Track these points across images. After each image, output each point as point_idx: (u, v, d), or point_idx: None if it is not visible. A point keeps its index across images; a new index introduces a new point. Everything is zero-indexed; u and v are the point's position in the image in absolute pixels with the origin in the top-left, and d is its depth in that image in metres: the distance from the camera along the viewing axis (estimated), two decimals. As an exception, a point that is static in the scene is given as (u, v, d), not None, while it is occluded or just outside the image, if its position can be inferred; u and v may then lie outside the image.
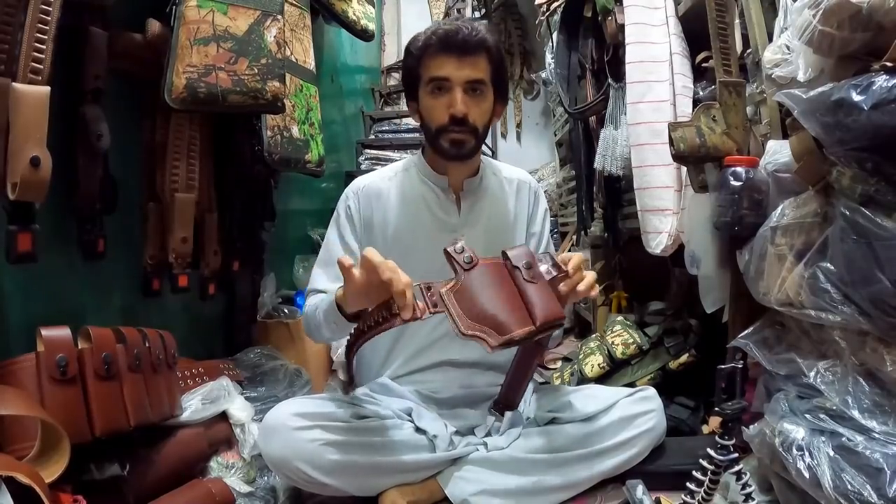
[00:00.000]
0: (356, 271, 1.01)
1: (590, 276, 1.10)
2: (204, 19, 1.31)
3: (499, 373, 1.38)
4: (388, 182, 1.38)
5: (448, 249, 1.01)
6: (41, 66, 1.01)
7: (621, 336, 1.79)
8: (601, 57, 1.87)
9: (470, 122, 1.25)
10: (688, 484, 0.95)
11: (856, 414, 0.88)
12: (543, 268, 1.05)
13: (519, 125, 3.96)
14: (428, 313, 0.96)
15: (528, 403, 1.33)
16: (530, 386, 1.37)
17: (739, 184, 1.13)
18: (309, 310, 1.27)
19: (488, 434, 1.28)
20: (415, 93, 1.31)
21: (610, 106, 1.81)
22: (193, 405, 1.32)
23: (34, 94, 0.99)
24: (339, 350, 2.07)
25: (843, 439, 0.88)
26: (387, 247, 1.30)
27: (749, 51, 1.29)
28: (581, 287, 1.08)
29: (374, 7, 2.52)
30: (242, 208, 1.76)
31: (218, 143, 1.63)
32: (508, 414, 1.23)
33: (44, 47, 1.01)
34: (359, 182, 1.41)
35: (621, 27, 1.61)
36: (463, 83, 1.23)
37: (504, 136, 3.96)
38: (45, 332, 1.01)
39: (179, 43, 1.29)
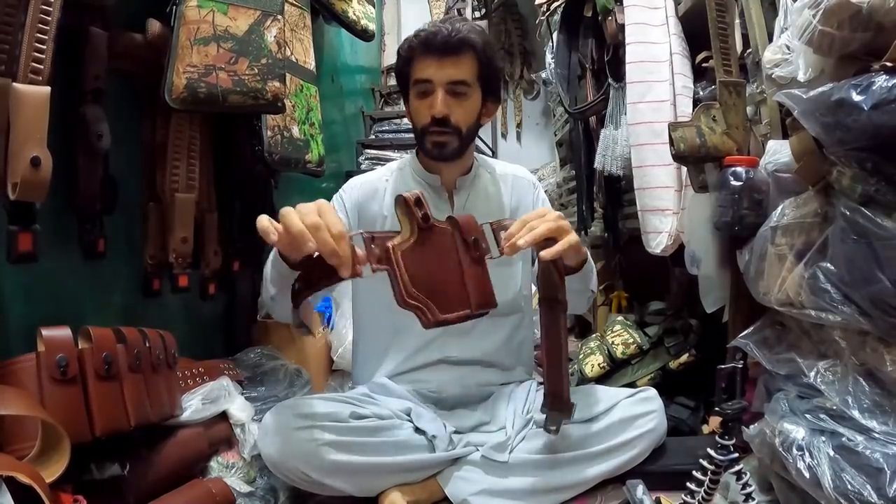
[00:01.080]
0: (274, 236, 0.88)
1: (540, 229, 1.00)
2: (204, 19, 1.31)
3: (499, 371, 1.39)
4: (384, 182, 1.40)
5: (406, 196, 0.89)
6: (41, 66, 1.01)
7: (621, 336, 1.79)
8: (601, 57, 1.87)
9: (452, 123, 1.26)
10: (688, 484, 0.95)
11: (856, 414, 0.88)
12: (486, 245, 0.97)
13: (519, 125, 3.96)
14: (370, 271, 0.84)
15: (534, 402, 1.33)
16: (535, 386, 1.38)
17: (739, 184, 1.13)
18: (265, 268, 1.21)
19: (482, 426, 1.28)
20: (407, 93, 1.34)
21: (610, 106, 1.81)
22: (193, 405, 1.32)
23: (34, 94, 0.99)
24: (339, 350, 2.07)
25: (843, 439, 0.88)
26: None
27: (749, 51, 1.29)
28: (525, 239, 0.98)
29: (374, 7, 2.52)
30: (242, 208, 1.76)
31: (218, 143, 1.63)
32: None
33: (44, 47, 1.01)
34: (356, 179, 1.43)
35: (621, 27, 1.61)
36: (444, 84, 1.25)
37: (504, 136, 3.96)
38: (45, 332, 1.01)
39: (179, 43, 1.28)
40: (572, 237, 1.05)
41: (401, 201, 0.89)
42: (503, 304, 1.33)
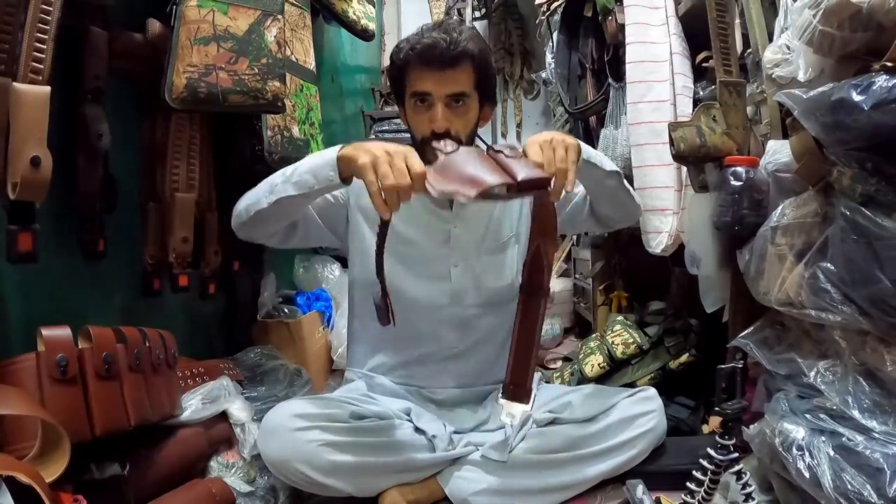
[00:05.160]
0: (372, 176, 1.00)
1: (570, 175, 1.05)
2: (204, 19, 1.31)
3: (498, 369, 1.38)
4: None
5: (433, 144, 1.08)
6: (41, 66, 1.01)
7: (621, 336, 1.79)
8: (601, 56, 1.87)
9: (453, 136, 1.24)
10: (688, 484, 0.96)
11: (856, 414, 0.88)
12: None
13: (519, 125, 3.96)
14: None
15: (535, 402, 1.33)
16: (535, 385, 1.37)
17: (739, 184, 1.13)
18: (259, 185, 1.24)
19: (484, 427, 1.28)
20: (401, 99, 1.32)
21: (610, 106, 1.81)
22: (193, 405, 1.32)
23: (34, 93, 0.99)
24: (339, 350, 2.07)
25: (843, 439, 0.88)
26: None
27: (749, 51, 1.29)
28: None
29: (374, 7, 2.52)
30: (243, 208, 1.76)
31: (218, 142, 1.63)
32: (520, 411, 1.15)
33: (44, 47, 1.01)
34: (358, 181, 1.42)
35: (621, 27, 1.61)
36: (444, 97, 1.23)
37: (504, 135, 3.95)
38: (45, 331, 1.01)
39: (180, 43, 1.28)
40: (573, 146, 1.09)
41: (431, 146, 1.09)
42: (499, 290, 1.36)
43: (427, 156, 1.26)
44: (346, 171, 1.08)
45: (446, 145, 1.04)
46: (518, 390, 1.09)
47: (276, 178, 1.19)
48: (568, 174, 1.05)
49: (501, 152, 1.00)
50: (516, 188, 0.95)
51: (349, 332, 1.48)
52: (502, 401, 1.10)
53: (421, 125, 1.26)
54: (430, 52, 1.21)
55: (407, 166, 0.99)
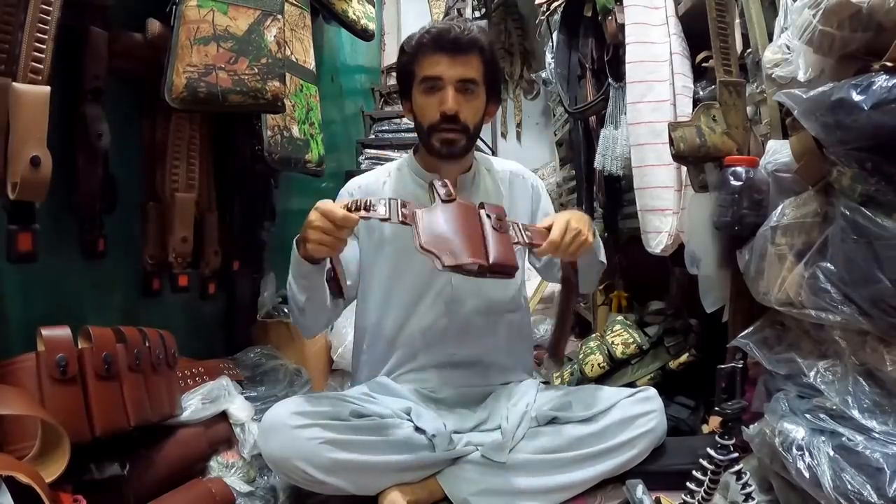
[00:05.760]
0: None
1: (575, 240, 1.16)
2: (204, 19, 1.31)
3: (499, 371, 1.39)
4: (381, 184, 1.40)
5: (434, 182, 1.10)
6: (41, 66, 1.01)
7: (621, 336, 1.79)
8: (601, 56, 1.87)
9: (461, 121, 1.27)
10: (688, 484, 0.96)
11: (856, 414, 0.88)
12: (512, 233, 1.10)
13: (519, 125, 3.96)
14: (398, 220, 1.04)
15: (535, 401, 1.33)
16: (535, 385, 1.38)
17: (739, 184, 1.13)
18: (290, 309, 1.32)
19: (483, 426, 1.28)
20: (408, 92, 1.33)
21: (610, 106, 1.81)
22: (193, 405, 1.33)
23: (34, 93, 0.99)
24: (339, 350, 2.07)
25: (843, 439, 0.88)
26: (382, 247, 1.32)
27: (749, 51, 1.29)
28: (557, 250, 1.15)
29: (374, 7, 2.52)
30: (242, 208, 1.76)
31: (218, 142, 1.63)
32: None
33: (44, 47, 1.01)
34: (356, 181, 1.43)
35: (621, 27, 1.61)
36: (455, 81, 1.25)
37: (504, 135, 3.95)
38: (45, 331, 1.01)
39: (179, 42, 1.28)
40: (590, 239, 1.21)
41: (429, 184, 1.11)
42: (504, 301, 1.38)
43: (432, 142, 1.29)
44: (309, 256, 1.15)
45: (443, 187, 1.08)
46: (558, 352, 1.36)
47: (292, 302, 1.27)
48: (570, 257, 1.21)
49: (490, 217, 1.06)
50: (486, 270, 1.01)
51: (355, 354, 1.48)
52: (547, 361, 1.39)
53: (430, 110, 1.27)
54: (444, 35, 1.25)
55: (325, 216, 1.06)
